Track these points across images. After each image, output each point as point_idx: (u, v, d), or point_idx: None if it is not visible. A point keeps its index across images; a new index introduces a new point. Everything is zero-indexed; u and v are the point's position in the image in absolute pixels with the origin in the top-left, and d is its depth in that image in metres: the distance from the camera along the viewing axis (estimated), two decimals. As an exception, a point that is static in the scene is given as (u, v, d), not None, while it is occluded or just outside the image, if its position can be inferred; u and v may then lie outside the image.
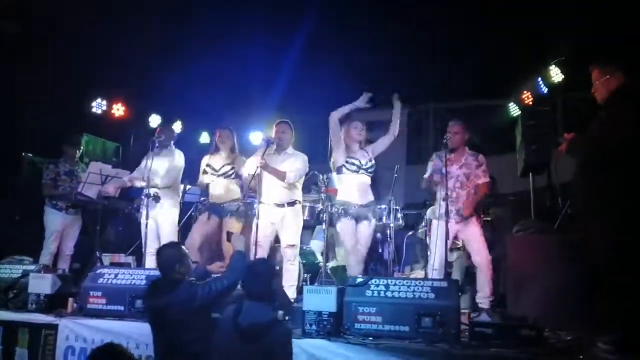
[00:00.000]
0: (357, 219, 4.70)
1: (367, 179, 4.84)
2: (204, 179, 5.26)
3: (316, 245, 6.01)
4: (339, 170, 4.76)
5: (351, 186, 4.74)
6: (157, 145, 5.27)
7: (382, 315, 3.54)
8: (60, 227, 5.69)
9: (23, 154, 6.87)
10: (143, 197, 5.20)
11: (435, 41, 7.21)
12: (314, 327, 3.57)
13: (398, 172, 5.54)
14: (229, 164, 5.15)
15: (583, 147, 3.50)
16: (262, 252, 4.72)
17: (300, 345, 3.48)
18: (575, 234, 4.20)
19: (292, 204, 4.86)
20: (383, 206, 5.25)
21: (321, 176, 5.23)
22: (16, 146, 6.92)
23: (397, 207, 5.35)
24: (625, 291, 3.16)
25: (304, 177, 5.04)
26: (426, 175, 4.74)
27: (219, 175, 5.15)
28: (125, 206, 6.30)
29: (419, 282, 3.68)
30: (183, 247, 3.63)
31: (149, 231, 5.21)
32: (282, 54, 7.50)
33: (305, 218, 5.21)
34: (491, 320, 3.54)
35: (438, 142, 4.78)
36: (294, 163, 4.89)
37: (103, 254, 5.77)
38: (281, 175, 4.78)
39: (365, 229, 4.76)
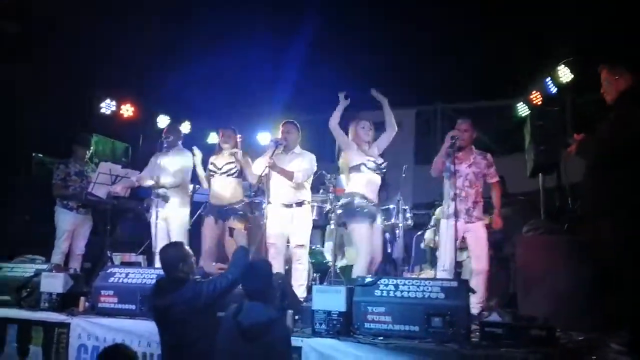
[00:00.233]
0: (373, 218, 4.70)
1: (379, 179, 4.84)
2: (207, 178, 5.30)
3: (330, 246, 6.00)
4: (356, 169, 4.70)
5: (368, 185, 4.72)
6: (164, 145, 5.31)
7: (392, 315, 3.54)
8: (71, 226, 5.74)
9: (33, 154, 6.92)
10: (152, 196, 5.24)
11: (442, 41, 7.19)
12: (323, 326, 3.59)
13: (406, 172, 5.56)
14: (232, 162, 5.17)
15: (593, 148, 3.50)
16: (276, 252, 4.74)
17: (310, 345, 3.50)
18: (585, 234, 4.19)
19: (300, 204, 4.87)
20: (391, 206, 5.27)
21: (329, 176, 5.27)
22: (26, 147, 6.97)
23: (406, 207, 5.36)
24: (635, 288, 3.16)
25: (312, 176, 5.06)
26: (436, 158, 4.70)
27: (221, 174, 5.16)
28: (135, 206, 6.34)
29: (429, 282, 3.68)
30: (186, 246, 3.66)
31: (159, 230, 5.24)
32: (288, 53, 7.51)
33: (313, 218, 5.22)
34: (502, 320, 3.54)
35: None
36: (302, 163, 4.91)
37: (114, 254, 5.81)
38: (289, 175, 4.80)
39: (378, 229, 4.76)
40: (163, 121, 8.55)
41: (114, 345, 3.27)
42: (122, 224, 6.80)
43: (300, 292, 4.64)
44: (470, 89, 8.06)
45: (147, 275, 4.41)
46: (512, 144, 7.59)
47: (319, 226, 5.93)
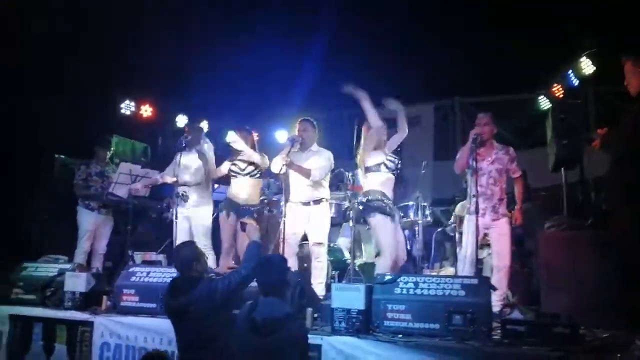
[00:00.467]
0: (393, 216, 4.67)
1: (394, 179, 4.81)
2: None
3: (343, 242, 6.02)
4: (376, 169, 4.67)
5: (386, 184, 4.68)
6: (184, 144, 5.36)
7: (412, 313, 3.50)
8: (92, 226, 5.82)
9: (55, 155, 7.03)
10: (174, 195, 5.29)
11: (461, 34, 7.11)
12: (343, 324, 3.57)
13: (425, 168, 5.51)
14: (252, 163, 5.18)
15: (617, 141, 3.42)
16: (289, 250, 4.74)
17: (330, 342, 3.49)
18: (609, 229, 4.10)
19: (318, 201, 4.87)
20: (410, 203, 5.23)
21: (347, 174, 5.24)
22: (49, 148, 7.09)
23: (425, 204, 5.31)
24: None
25: (329, 174, 5.04)
26: (457, 157, 4.64)
27: (244, 175, 5.18)
28: (155, 205, 6.41)
29: (449, 279, 3.63)
30: (198, 245, 3.68)
31: (180, 229, 5.29)
32: (306, 51, 7.50)
33: (332, 215, 5.21)
34: (523, 317, 3.48)
35: (466, 137, 4.67)
36: (319, 160, 4.90)
37: (135, 253, 5.88)
38: (306, 173, 4.79)
39: (399, 227, 4.74)
40: (181, 121, 8.64)
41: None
42: (142, 223, 6.87)
43: (319, 290, 4.63)
44: (490, 83, 7.96)
45: (167, 274, 4.43)
46: (534, 138, 7.48)
47: (338, 224, 5.91)
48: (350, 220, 4.83)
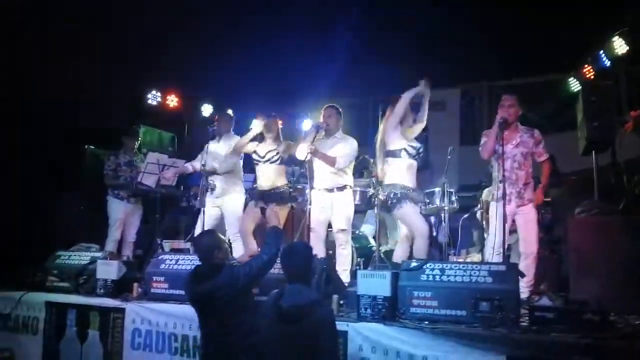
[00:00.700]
0: (417, 203, 4.65)
1: (416, 164, 4.77)
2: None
3: (368, 229, 6.01)
4: (396, 154, 4.66)
5: (408, 171, 4.67)
6: (211, 134, 5.41)
7: (438, 300, 3.49)
8: (122, 215, 5.95)
9: (86, 146, 7.19)
10: (203, 184, 5.36)
11: (487, 14, 6.93)
12: (369, 311, 3.58)
13: (451, 153, 5.44)
14: (273, 149, 5.20)
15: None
16: (316, 238, 4.76)
17: (356, 329, 3.51)
18: (641, 214, 4.01)
19: (342, 188, 4.87)
20: (437, 189, 5.17)
21: (372, 160, 5.22)
22: (79, 139, 7.24)
23: (452, 190, 5.26)
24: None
25: (354, 161, 5.03)
26: (482, 141, 4.57)
27: (265, 162, 5.20)
28: (182, 194, 6.51)
29: (476, 266, 3.61)
30: (219, 233, 3.73)
31: (209, 217, 5.37)
32: (330, 37, 7.45)
33: (356, 203, 5.20)
34: (552, 304, 3.43)
35: (492, 121, 4.58)
36: (344, 148, 4.89)
37: (163, 241, 5.99)
38: (330, 161, 4.79)
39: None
40: (207, 110, 8.71)
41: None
42: (170, 212, 6.99)
43: (344, 277, 4.64)
44: (517, 65, 7.77)
45: (195, 262, 4.45)
46: (563, 121, 7.29)
47: (362, 211, 5.90)
48: (375, 207, 4.81)
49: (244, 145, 5.28)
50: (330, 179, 4.86)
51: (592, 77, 6.89)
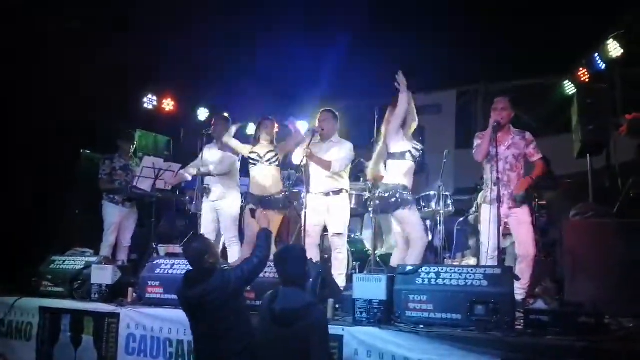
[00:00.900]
0: (415, 205, 4.64)
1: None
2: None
3: (368, 234, 5.98)
4: (401, 156, 4.62)
5: (408, 173, 4.65)
6: (204, 138, 5.41)
7: (434, 303, 3.49)
8: (117, 219, 5.92)
9: (81, 150, 7.17)
10: (196, 188, 5.35)
11: (483, 16, 6.95)
12: (364, 315, 3.58)
13: (447, 156, 5.45)
14: (272, 151, 5.20)
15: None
16: (312, 242, 4.75)
17: (351, 333, 3.50)
18: (636, 216, 4.01)
19: (338, 192, 4.87)
20: (432, 192, 5.18)
21: (367, 164, 5.21)
22: (74, 143, 7.22)
23: (447, 193, 5.26)
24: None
25: (350, 165, 5.03)
26: (476, 144, 4.56)
27: (264, 162, 5.18)
28: (178, 198, 6.49)
29: (471, 269, 3.61)
30: (207, 238, 3.75)
31: (206, 221, 5.36)
32: (327, 40, 7.45)
33: (352, 206, 5.20)
34: (547, 307, 3.43)
35: (487, 124, 4.58)
36: (339, 152, 4.89)
37: (159, 245, 5.97)
38: (326, 165, 4.79)
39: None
40: (203, 114, 8.70)
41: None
42: (166, 216, 6.97)
43: (340, 281, 4.64)
44: (512, 68, 7.79)
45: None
46: (558, 123, 7.31)
47: (358, 215, 5.90)
48: (371, 211, 4.81)
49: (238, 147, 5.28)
50: (326, 183, 4.85)
51: (587, 80, 6.93)
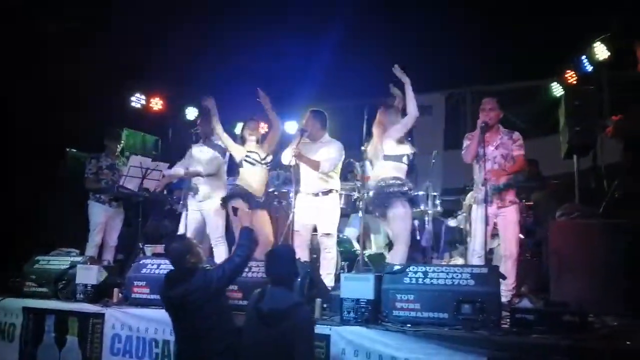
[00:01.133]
0: (411, 203, 4.62)
1: None
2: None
3: (351, 232, 5.99)
4: (397, 159, 4.60)
5: (400, 173, 4.64)
6: (193, 137, 5.37)
7: (421, 303, 3.50)
8: (103, 219, 5.86)
9: (67, 149, 7.09)
10: (185, 188, 5.30)
11: (472, 20, 7.00)
12: (352, 314, 3.57)
13: (436, 157, 5.45)
14: (269, 155, 5.18)
15: (630, 128, 3.36)
16: (301, 242, 4.74)
17: (339, 332, 3.50)
18: (621, 217, 4.04)
19: (327, 192, 4.85)
20: (420, 193, 5.18)
21: (357, 164, 5.21)
22: (61, 142, 7.15)
23: (435, 194, 5.27)
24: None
25: (340, 165, 5.01)
26: (465, 145, 4.57)
27: (262, 164, 5.15)
28: (165, 198, 6.43)
29: (458, 269, 3.63)
30: (189, 237, 3.72)
31: (192, 221, 5.31)
32: (317, 40, 7.45)
33: (341, 206, 5.19)
34: (533, 306, 3.45)
35: (476, 125, 4.60)
36: (328, 152, 4.87)
37: (145, 245, 5.91)
38: (315, 165, 4.77)
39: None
40: (191, 113, 8.65)
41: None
42: (153, 216, 6.91)
43: (329, 280, 4.62)
44: (501, 70, 7.84)
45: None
46: (546, 125, 7.38)
47: (347, 214, 5.89)
48: (360, 211, 4.80)
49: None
50: (316, 183, 4.84)
51: (575, 82, 6.98)
